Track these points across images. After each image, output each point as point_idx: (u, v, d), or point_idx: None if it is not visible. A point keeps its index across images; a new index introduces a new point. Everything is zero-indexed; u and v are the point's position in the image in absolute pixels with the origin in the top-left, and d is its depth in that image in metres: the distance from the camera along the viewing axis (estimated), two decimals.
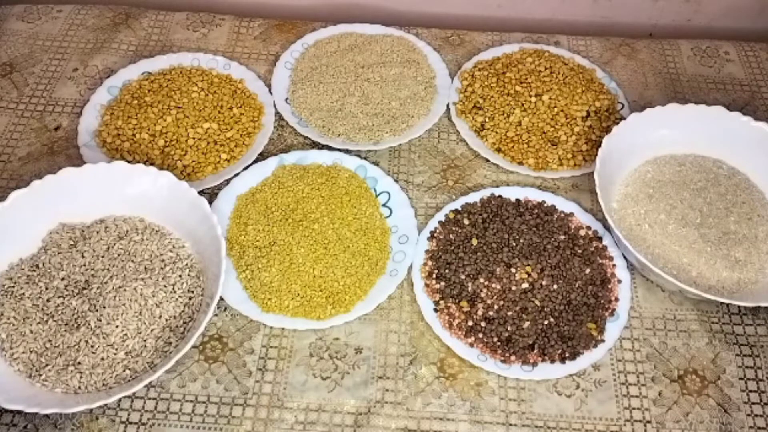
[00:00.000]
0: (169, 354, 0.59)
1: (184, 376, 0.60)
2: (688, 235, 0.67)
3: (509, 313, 0.63)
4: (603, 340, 0.62)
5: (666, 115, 0.71)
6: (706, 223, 0.68)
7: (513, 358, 0.61)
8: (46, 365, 0.58)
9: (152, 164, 0.71)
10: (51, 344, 0.59)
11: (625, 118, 0.70)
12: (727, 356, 0.63)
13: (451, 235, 0.68)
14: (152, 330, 0.60)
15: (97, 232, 0.65)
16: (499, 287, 0.64)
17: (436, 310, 0.63)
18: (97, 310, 0.60)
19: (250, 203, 0.70)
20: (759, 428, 0.59)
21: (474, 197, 0.71)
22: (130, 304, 0.60)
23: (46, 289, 0.62)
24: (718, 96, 0.85)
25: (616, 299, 0.65)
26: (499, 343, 0.61)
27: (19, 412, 0.57)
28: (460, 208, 0.70)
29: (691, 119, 0.72)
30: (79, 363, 0.58)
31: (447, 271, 0.65)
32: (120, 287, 0.61)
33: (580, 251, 0.67)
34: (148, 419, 0.58)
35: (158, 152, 0.73)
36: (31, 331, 0.60)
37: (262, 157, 0.74)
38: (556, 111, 0.78)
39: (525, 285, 0.64)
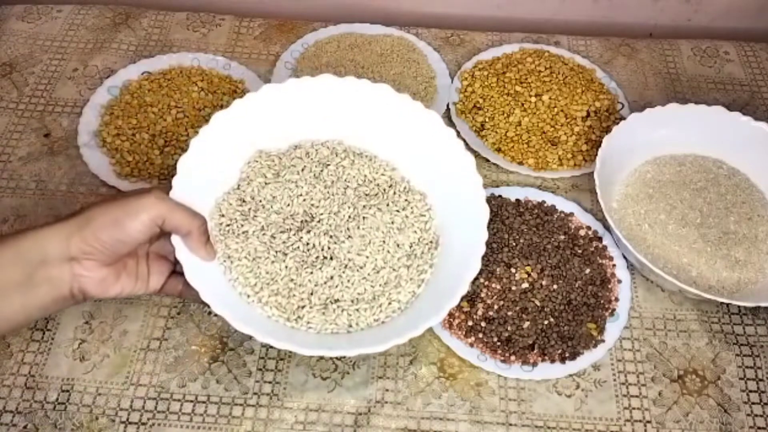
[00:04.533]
0: (425, 281, 0.57)
1: (184, 376, 0.60)
2: (688, 235, 0.67)
3: (509, 313, 0.63)
4: (603, 340, 0.62)
5: (666, 115, 0.71)
6: (706, 223, 0.68)
7: (513, 358, 0.61)
8: (301, 307, 0.54)
9: (152, 164, 0.72)
10: (294, 283, 0.55)
11: (625, 118, 0.70)
12: (727, 356, 0.63)
13: None
14: (399, 258, 0.57)
15: (300, 159, 0.60)
16: (499, 287, 0.64)
17: None
18: (343, 242, 0.56)
19: None
20: (759, 428, 0.59)
21: None
22: (374, 232, 0.57)
23: (267, 225, 0.57)
24: (718, 96, 0.85)
25: (616, 299, 0.65)
26: (499, 343, 0.61)
27: (19, 412, 0.57)
28: None
29: (691, 119, 0.72)
30: (337, 300, 0.55)
31: None
32: (356, 216, 0.58)
33: (580, 251, 0.67)
34: (148, 419, 0.58)
35: (158, 152, 0.73)
36: (267, 272, 0.55)
37: None
38: (556, 111, 0.78)
39: (525, 285, 0.64)
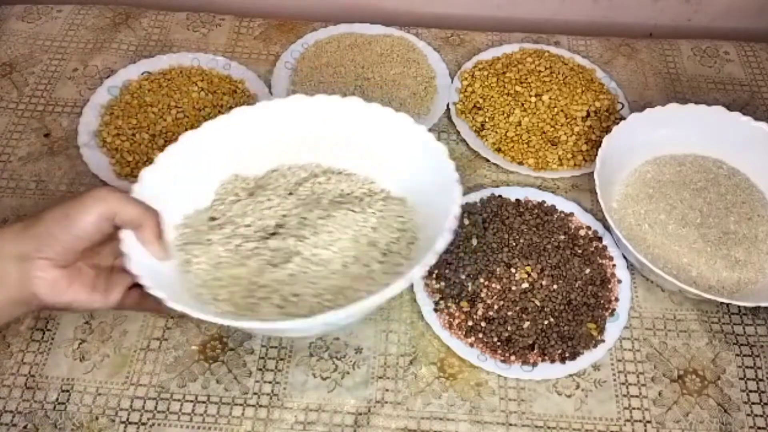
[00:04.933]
0: (401, 274, 0.51)
1: (184, 376, 0.60)
2: (688, 235, 0.67)
3: (509, 313, 0.63)
4: (603, 340, 0.62)
5: (666, 115, 0.71)
6: (706, 223, 0.68)
7: (513, 358, 0.61)
8: (257, 303, 0.52)
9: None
10: (256, 285, 0.53)
11: (625, 118, 0.70)
12: (727, 356, 0.63)
13: None
14: (373, 256, 0.55)
15: (276, 180, 0.60)
16: (499, 287, 0.64)
17: (436, 310, 0.63)
18: (308, 239, 0.54)
19: None
20: (759, 428, 0.59)
21: (474, 197, 0.71)
22: (343, 228, 0.55)
23: (234, 235, 0.56)
24: (718, 96, 0.85)
25: (616, 299, 0.65)
26: (499, 343, 0.61)
27: (19, 412, 0.57)
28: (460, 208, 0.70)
29: (691, 119, 0.72)
30: (297, 294, 0.52)
31: (447, 271, 0.65)
32: (327, 216, 0.56)
33: (580, 251, 0.67)
34: (148, 419, 0.58)
35: (158, 152, 0.72)
36: (230, 275, 0.54)
37: None
38: (556, 111, 0.78)
39: (525, 285, 0.64)
